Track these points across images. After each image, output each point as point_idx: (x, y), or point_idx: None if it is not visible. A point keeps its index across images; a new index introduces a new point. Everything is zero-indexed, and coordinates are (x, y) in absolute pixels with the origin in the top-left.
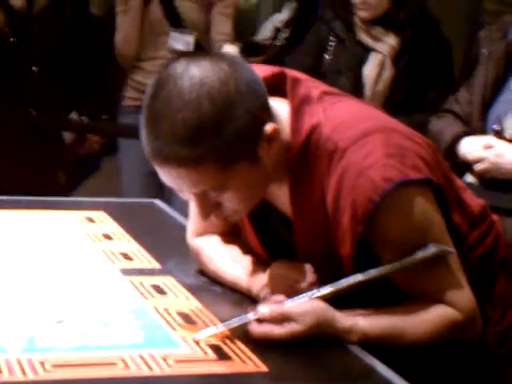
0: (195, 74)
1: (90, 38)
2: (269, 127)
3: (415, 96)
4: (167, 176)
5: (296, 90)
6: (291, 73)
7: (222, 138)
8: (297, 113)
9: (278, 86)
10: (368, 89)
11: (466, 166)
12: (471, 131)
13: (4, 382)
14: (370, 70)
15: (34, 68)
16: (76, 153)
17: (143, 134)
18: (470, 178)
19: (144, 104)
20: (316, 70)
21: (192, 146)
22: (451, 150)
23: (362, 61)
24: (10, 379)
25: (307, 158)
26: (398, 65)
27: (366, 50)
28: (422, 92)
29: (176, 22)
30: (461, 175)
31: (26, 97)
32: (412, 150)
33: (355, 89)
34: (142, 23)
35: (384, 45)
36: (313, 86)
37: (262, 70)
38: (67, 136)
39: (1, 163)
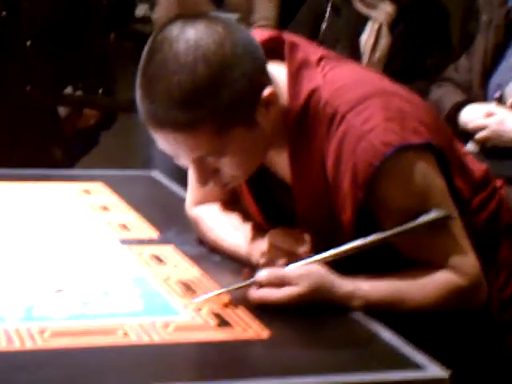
0: (190, 36)
1: (83, 11)
2: (266, 91)
3: (413, 64)
4: (164, 141)
5: (294, 53)
6: (289, 37)
7: (218, 101)
8: (295, 77)
9: (275, 50)
10: (365, 57)
11: (466, 134)
12: (471, 99)
13: (2, 352)
14: (366, 38)
15: (26, 42)
16: (72, 128)
17: (138, 97)
18: (471, 147)
19: (139, 67)
20: (313, 40)
21: (188, 110)
22: (452, 119)
23: (358, 29)
24: (7, 348)
25: (306, 122)
26: (395, 32)
27: (363, 18)
28: (420, 60)
29: (218, 2)
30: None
31: (19, 71)
32: (412, 113)
33: (352, 57)
34: (184, 2)
35: (380, 12)
36: (311, 51)
37: (259, 34)
38: (62, 111)
39: None
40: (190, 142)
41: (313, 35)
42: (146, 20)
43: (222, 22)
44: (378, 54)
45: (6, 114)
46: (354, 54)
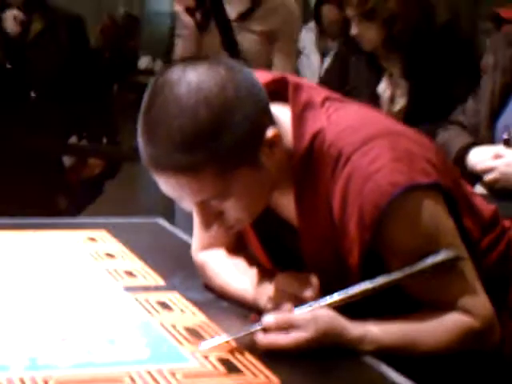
0: (192, 79)
1: (86, 63)
2: (270, 132)
3: (438, 102)
4: (166, 185)
5: (298, 95)
6: (293, 78)
7: (220, 144)
8: (299, 118)
9: (279, 92)
10: (384, 108)
11: (475, 176)
12: (479, 142)
13: None
14: (383, 89)
15: (31, 93)
16: (77, 177)
17: (140, 142)
18: (479, 189)
19: (141, 111)
20: (341, 91)
21: (189, 153)
22: (459, 161)
23: (377, 78)
24: None
25: (311, 164)
26: (411, 77)
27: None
28: (446, 94)
29: (234, 52)
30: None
31: (23, 122)
32: (419, 154)
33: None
34: (199, 51)
35: (393, 62)
36: (315, 92)
37: (262, 76)
38: (67, 161)
39: (1, 189)
40: (192, 186)
41: (341, 86)
42: (149, 72)
43: (224, 64)
44: (397, 106)
45: (11, 163)
46: (375, 104)
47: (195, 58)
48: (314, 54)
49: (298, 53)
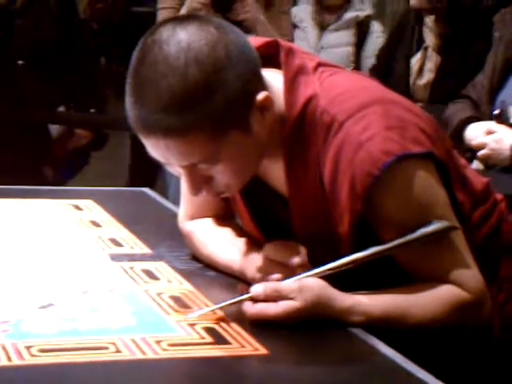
0: (182, 38)
1: (76, 31)
2: (261, 95)
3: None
4: (154, 148)
5: (290, 60)
6: (285, 43)
7: (211, 105)
8: (291, 84)
9: (271, 57)
10: (411, 79)
11: (472, 151)
12: (480, 116)
13: None
14: (415, 60)
15: (19, 62)
16: (64, 148)
17: (127, 103)
18: (476, 164)
19: (129, 71)
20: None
21: (179, 114)
22: (458, 136)
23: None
24: None
25: (302, 131)
26: (444, 54)
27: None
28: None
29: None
30: (469, 161)
31: (11, 91)
32: (413, 122)
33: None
34: None
35: (431, 34)
36: (308, 57)
37: (255, 40)
38: (54, 131)
39: None
40: (181, 148)
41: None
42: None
43: (214, 23)
44: (423, 80)
45: None
46: (406, 75)
47: (185, 17)
48: (311, 28)
49: (293, 26)
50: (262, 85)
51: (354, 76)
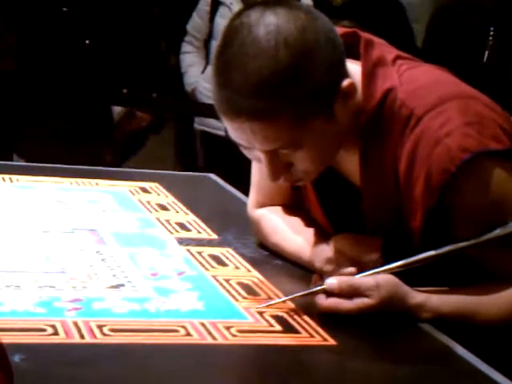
0: (271, 21)
1: (139, 13)
2: (346, 82)
3: None
4: (238, 132)
5: (370, 51)
6: (364, 34)
7: (299, 89)
8: (370, 75)
9: (350, 47)
10: None
11: None
12: None
13: (61, 344)
14: None
15: (85, 41)
16: (123, 132)
17: (213, 84)
18: None
19: (215, 53)
20: None
21: (267, 97)
22: None
23: None
24: (67, 341)
25: (379, 123)
26: None
27: None
28: None
29: None
30: None
31: (78, 70)
32: (492, 119)
33: None
34: None
35: None
36: (387, 50)
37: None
38: (116, 115)
39: (50, 141)
40: (267, 132)
41: None
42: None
43: (303, 8)
44: None
45: (62, 115)
46: None
47: (274, 1)
48: (236, 5)
49: (217, 2)
50: (346, 72)
51: (433, 70)
